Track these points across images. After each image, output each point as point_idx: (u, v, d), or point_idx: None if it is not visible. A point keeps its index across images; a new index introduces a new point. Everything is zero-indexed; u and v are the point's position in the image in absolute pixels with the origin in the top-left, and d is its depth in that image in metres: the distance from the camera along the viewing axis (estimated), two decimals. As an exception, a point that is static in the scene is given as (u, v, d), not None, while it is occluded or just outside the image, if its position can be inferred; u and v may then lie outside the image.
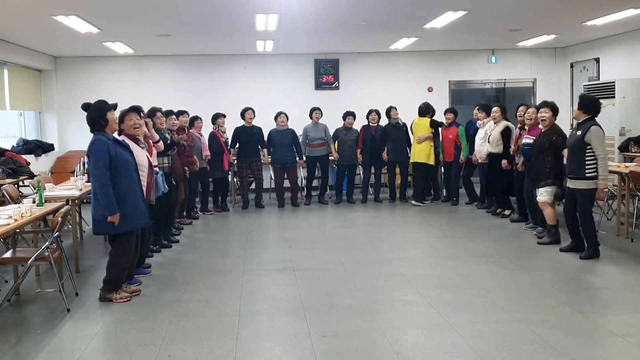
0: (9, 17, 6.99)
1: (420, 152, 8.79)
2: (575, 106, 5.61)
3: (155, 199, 5.53)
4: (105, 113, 4.46)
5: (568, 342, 3.61)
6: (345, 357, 3.51)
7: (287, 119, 9.02)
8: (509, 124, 7.52)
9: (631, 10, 7.41)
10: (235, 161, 8.97)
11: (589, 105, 5.52)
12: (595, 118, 5.52)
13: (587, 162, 5.45)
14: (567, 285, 4.93)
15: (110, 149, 4.40)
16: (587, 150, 5.43)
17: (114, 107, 4.60)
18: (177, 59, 10.83)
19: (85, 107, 4.52)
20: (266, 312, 4.31)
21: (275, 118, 9.00)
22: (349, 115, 9.19)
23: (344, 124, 9.22)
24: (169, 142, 6.36)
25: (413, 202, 8.97)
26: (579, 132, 5.49)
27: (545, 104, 6.11)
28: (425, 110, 8.94)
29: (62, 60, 10.63)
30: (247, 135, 8.86)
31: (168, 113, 6.91)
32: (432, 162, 8.83)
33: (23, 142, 9.36)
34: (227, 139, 8.80)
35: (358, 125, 9.26)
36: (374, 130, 9.15)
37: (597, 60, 10.18)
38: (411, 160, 9.02)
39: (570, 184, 5.63)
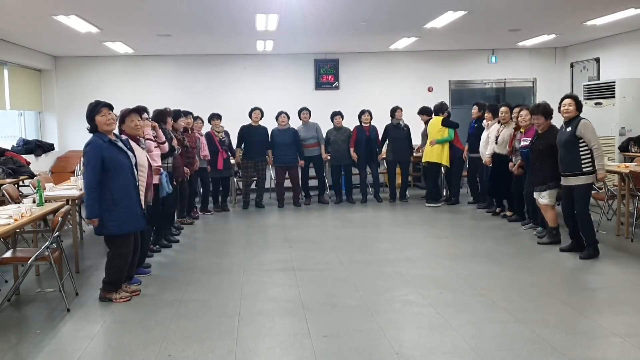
0: (9, 17, 6.99)
1: (432, 152, 8.70)
2: (571, 106, 5.57)
3: (158, 199, 5.54)
4: (93, 116, 4.43)
5: (568, 342, 3.61)
6: (345, 357, 3.51)
7: (288, 119, 9.03)
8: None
9: (631, 10, 7.42)
10: (241, 161, 8.97)
11: (579, 102, 5.65)
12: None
13: (582, 157, 5.47)
14: (567, 285, 4.94)
15: (104, 151, 4.37)
16: (581, 145, 5.47)
17: (108, 105, 4.50)
18: (177, 59, 10.84)
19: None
20: (266, 312, 4.31)
21: (277, 118, 9.01)
22: (337, 115, 9.21)
23: (333, 125, 9.23)
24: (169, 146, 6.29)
25: (427, 204, 8.87)
26: (569, 129, 5.54)
27: (537, 109, 6.00)
28: (439, 109, 8.82)
29: (62, 60, 10.63)
30: (253, 134, 8.88)
31: (176, 114, 6.94)
32: (444, 161, 8.66)
33: (23, 142, 9.36)
34: (222, 138, 8.79)
35: (350, 124, 9.26)
36: (368, 130, 9.15)
37: (597, 60, 10.19)
38: (423, 160, 8.95)
39: (566, 181, 5.63)
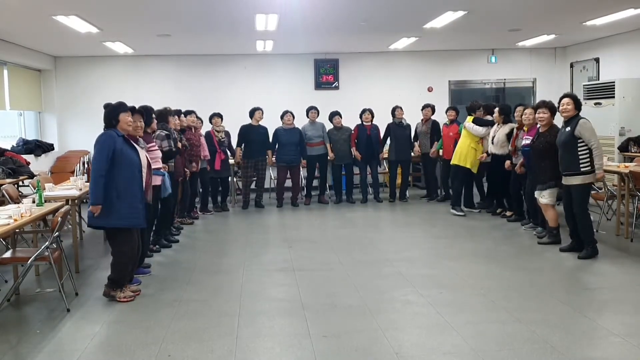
0: (9, 17, 6.98)
1: (456, 154, 8.08)
2: (569, 105, 5.60)
3: (160, 199, 5.54)
4: (118, 113, 4.60)
5: (568, 342, 3.61)
6: (345, 357, 3.51)
7: (294, 118, 9.03)
8: (515, 125, 7.38)
9: (631, 10, 7.42)
10: (241, 160, 8.96)
11: (578, 102, 5.67)
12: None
13: (580, 157, 5.50)
14: (567, 285, 4.94)
15: (117, 144, 4.46)
16: (579, 145, 5.49)
17: (132, 109, 4.75)
18: (177, 59, 10.83)
19: (105, 106, 4.69)
20: (266, 312, 4.31)
21: (282, 117, 9.01)
22: (336, 115, 9.21)
23: (333, 125, 9.23)
24: (174, 149, 6.29)
25: (452, 211, 8.12)
26: (568, 129, 5.56)
27: (544, 104, 6.09)
28: (470, 108, 8.30)
29: (62, 60, 10.62)
30: (253, 134, 8.87)
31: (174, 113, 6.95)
32: (469, 165, 7.90)
33: (23, 142, 9.36)
34: (221, 139, 8.78)
35: (351, 124, 9.26)
36: (369, 129, 9.15)
37: (597, 60, 10.19)
38: (452, 162, 8.22)
39: (565, 181, 5.66)
